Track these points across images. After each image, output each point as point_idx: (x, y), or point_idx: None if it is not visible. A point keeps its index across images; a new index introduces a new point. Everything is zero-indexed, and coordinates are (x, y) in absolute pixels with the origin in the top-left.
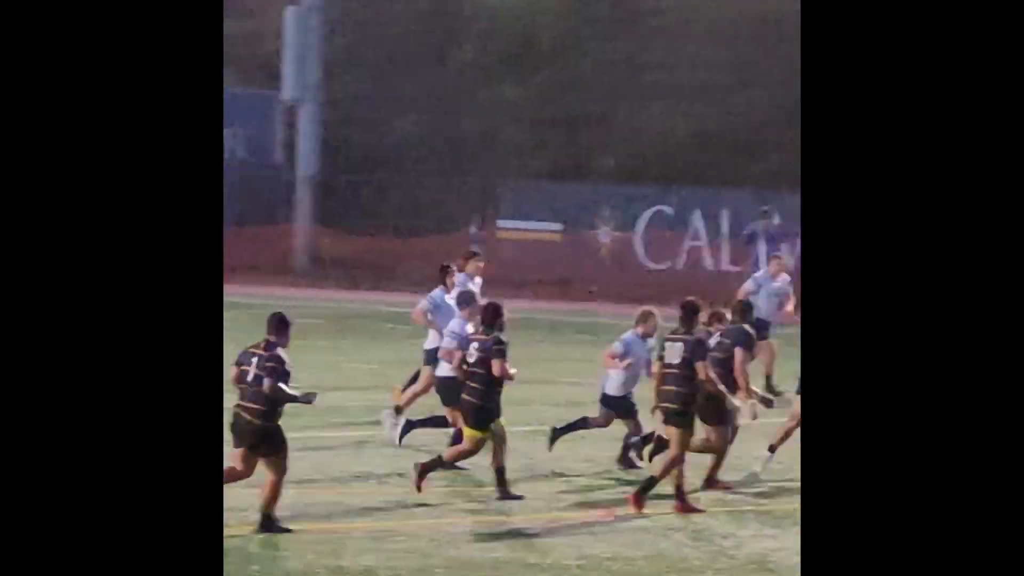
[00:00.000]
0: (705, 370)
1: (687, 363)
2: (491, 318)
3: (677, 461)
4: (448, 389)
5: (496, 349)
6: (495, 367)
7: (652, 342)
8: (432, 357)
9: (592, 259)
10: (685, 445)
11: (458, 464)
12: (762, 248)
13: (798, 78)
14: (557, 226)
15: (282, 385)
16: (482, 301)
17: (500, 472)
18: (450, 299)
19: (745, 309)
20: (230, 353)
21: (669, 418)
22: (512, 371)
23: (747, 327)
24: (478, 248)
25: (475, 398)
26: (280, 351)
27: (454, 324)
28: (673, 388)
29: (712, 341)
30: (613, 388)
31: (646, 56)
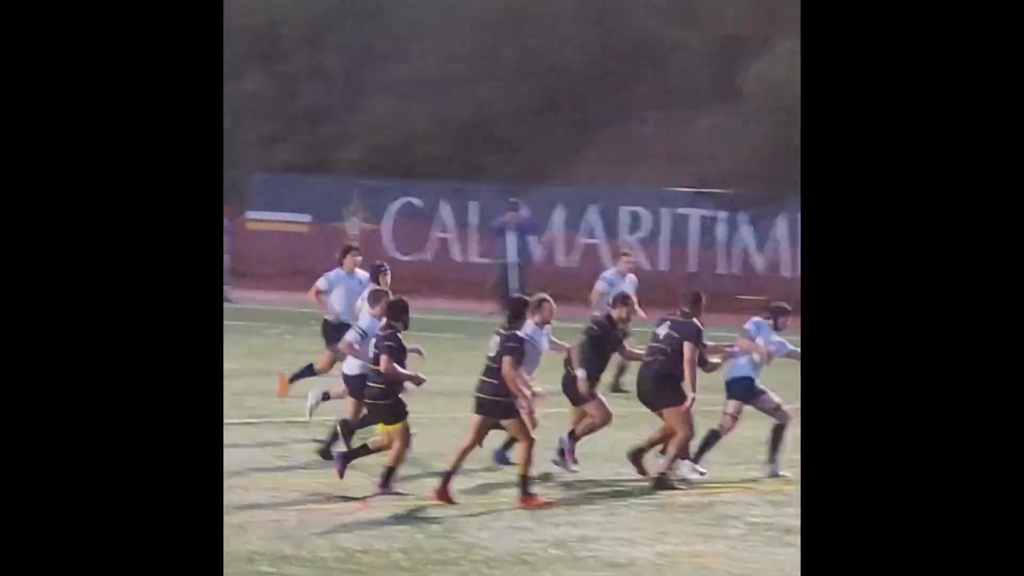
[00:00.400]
0: (508, 365)
1: (500, 356)
2: (394, 313)
3: (526, 450)
4: (359, 388)
5: (385, 345)
6: (382, 363)
7: (549, 329)
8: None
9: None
10: (524, 432)
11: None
12: (511, 240)
13: (540, 69)
14: (305, 218)
15: None
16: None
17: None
18: (349, 279)
19: (696, 302)
20: None
21: (479, 408)
22: (407, 372)
23: (697, 321)
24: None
25: (379, 397)
26: None
27: (364, 321)
28: (485, 380)
29: (661, 332)
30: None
31: (390, 48)
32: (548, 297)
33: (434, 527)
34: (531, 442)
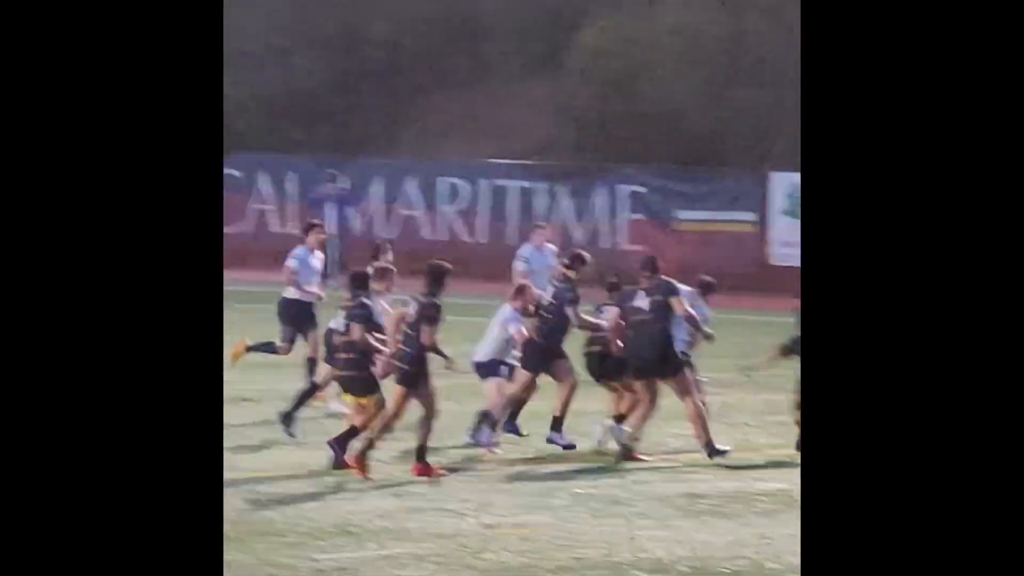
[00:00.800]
0: (429, 335)
1: (417, 325)
2: (360, 284)
3: (378, 423)
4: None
5: (358, 314)
6: (353, 331)
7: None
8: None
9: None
10: (385, 407)
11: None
12: (330, 212)
13: (359, 42)
14: None
15: None
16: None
17: (370, 444)
18: (314, 257)
19: (653, 262)
20: None
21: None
22: (377, 343)
23: (666, 278)
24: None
25: (352, 368)
26: None
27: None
28: (403, 348)
29: (642, 303)
30: (482, 355)
31: None
32: (528, 283)
33: (260, 498)
34: (386, 421)
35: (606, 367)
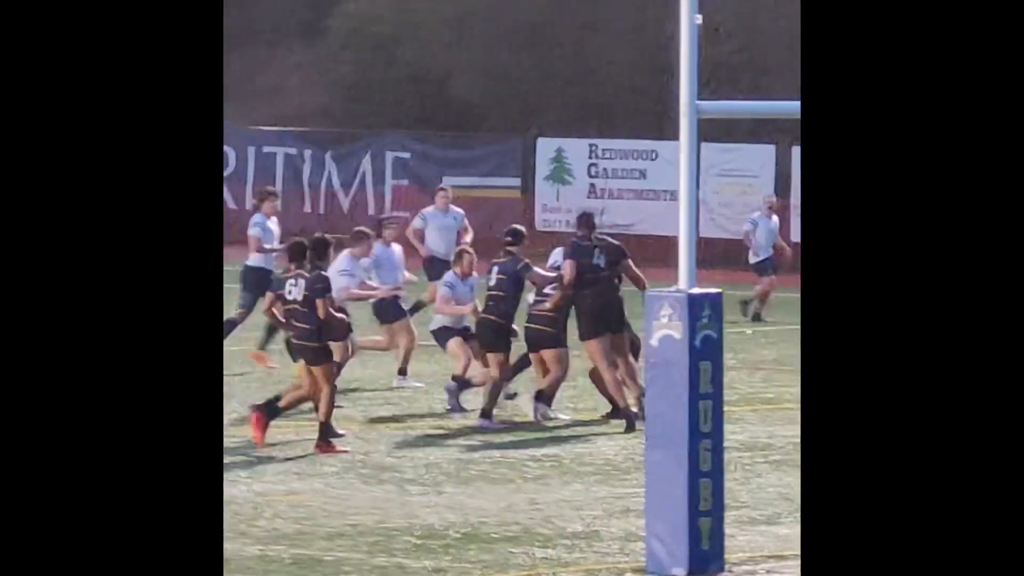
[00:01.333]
0: (323, 307)
1: (309, 300)
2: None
3: (302, 399)
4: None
5: (318, 288)
6: (319, 307)
7: (472, 281)
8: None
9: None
10: (330, 379)
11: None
12: None
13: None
14: None
15: None
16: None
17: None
18: (272, 223)
19: (591, 218)
20: None
21: (300, 353)
22: (340, 316)
23: (611, 239)
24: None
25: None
26: None
27: (344, 262)
28: (298, 325)
29: (599, 260)
30: (433, 323)
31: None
32: (469, 249)
33: None
34: (334, 388)
35: (542, 338)
